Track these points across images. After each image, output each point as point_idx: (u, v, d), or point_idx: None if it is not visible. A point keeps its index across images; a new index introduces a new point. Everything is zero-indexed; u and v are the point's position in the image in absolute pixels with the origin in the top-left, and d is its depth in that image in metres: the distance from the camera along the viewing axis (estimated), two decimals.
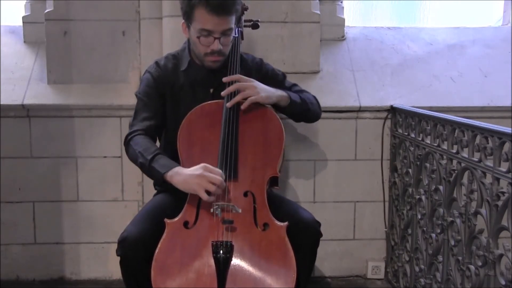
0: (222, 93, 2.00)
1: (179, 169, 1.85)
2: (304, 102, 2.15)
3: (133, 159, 1.98)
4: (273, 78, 2.23)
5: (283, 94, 2.07)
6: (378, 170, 2.77)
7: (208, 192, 1.77)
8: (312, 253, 1.95)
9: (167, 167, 1.86)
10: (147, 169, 1.90)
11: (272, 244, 1.77)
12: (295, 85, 2.26)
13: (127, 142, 2.02)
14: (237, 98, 1.97)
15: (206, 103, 2.02)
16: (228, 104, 1.97)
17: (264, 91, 2.01)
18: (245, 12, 2.24)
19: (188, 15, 1.99)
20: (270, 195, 1.96)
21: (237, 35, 2.08)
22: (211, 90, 2.11)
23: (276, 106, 2.08)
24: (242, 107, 1.98)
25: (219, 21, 1.93)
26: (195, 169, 1.80)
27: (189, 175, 1.80)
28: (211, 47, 1.98)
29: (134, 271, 1.83)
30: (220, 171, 1.82)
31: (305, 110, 2.16)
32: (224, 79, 2.01)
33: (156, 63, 2.16)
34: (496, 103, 2.79)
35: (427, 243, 2.24)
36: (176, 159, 1.94)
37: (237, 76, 2.03)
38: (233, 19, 1.99)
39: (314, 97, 2.26)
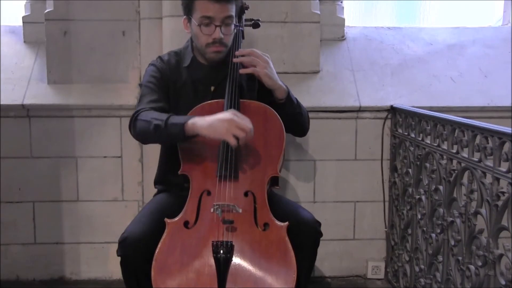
0: (236, 53, 2.02)
1: (200, 117, 1.83)
2: (298, 105, 2.13)
3: (144, 128, 1.88)
4: None
5: (284, 86, 2.07)
6: (378, 170, 2.78)
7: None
8: (313, 253, 1.95)
9: (187, 118, 1.84)
10: (164, 128, 1.83)
11: (273, 244, 1.77)
12: None
13: (134, 119, 1.94)
14: (244, 59, 2.01)
15: (206, 102, 2.02)
16: (235, 60, 2.01)
17: (270, 71, 2.02)
18: (245, 11, 2.24)
19: (189, 7, 2.01)
20: (270, 195, 1.96)
21: (238, 24, 2.09)
22: (212, 88, 2.11)
23: (271, 101, 2.06)
24: (241, 71, 2.01)
25: (220, 7, 1.96)
26: (223, 114, 1.80)
27: (217, 119, 1.78)
28: (213, 36, 1.99)
29: (135, 271, 1.83)
30: (248, 119, 1.81)
31: (297, 113, 2.12)
32: (237, 52, 2.03)
33: (160, 57, 2.16)
34: (496, 103, 2.79)
35: (427, 243, 2.24)
36: (175, 158, 1.94)
37: (250, 50, 2.04)
38: (233, 7, 2.01)
39: (307, 112, 2.22)
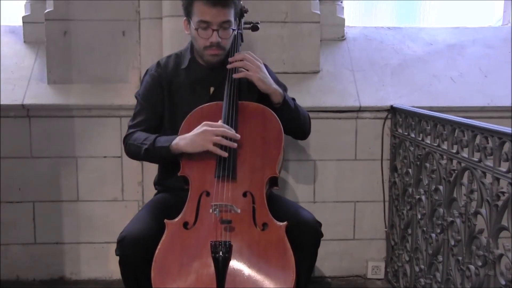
0: (230, 59, 2.04)
1: (181, 136, 1.93)
2: (296, 110, 2.13)
3: (136, 152, 2.03)
4: None
5: (279, 90, 2.06)
6: (378, 170, 2.77)
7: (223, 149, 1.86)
8: (313, 253, 1.95)
9: (170, 140, 1.93)
10: (153, 151, 1.96)
11: (271, 244, 1.77)
12: (293, 99, 2.22)
13: (125, 143, 2.09)
14: (238, 63, 2.02)
15: (205, 104, 2.03)
16: (228, 66, 2.04)
17: (263, 75, 2.03)
18: (245, 14, 2.24)
19: (188, 10, 2.03)
20: (270, 196, 1.96)
21: (235, 28, 2.09)
22: (212, 89, 2.11)
23: (269, 104, 2.06)
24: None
25: (217, 12, 1.96)
26: (198, 128, 1.89)
27: (193, 135, 1.89)
28: (210, 40, 1.99)
29: (133, 271, 1.83)
30: (220, 123, 1.90)
31: (295, 117, 2.12)
32: (231, 59, 2.05)
33: (158, 63, 2.19)
34: (496, 103, 2.79)
35: (427, 243, 2.24)
36: (174, 159, 1.94)
37: (243, 55, 2.05)
38: (231, 12, 2.00)
39: (308, 115, 2.23)
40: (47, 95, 2.72)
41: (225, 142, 1.85)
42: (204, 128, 1.87)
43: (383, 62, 2.94)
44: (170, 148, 1.91)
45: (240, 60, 2.03)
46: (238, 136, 1.89)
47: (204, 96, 2.09)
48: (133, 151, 2.05)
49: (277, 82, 2.16)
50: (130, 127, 2.11)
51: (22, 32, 2.95)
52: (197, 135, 1.87)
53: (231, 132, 1.87)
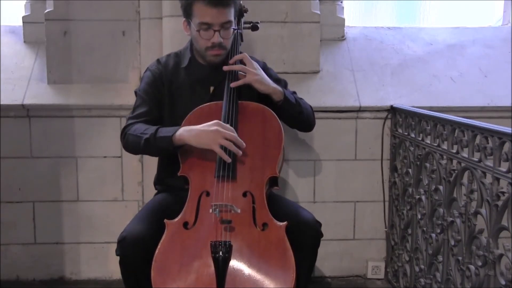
0: (230, 61, 2.03)
1: (186, 127, 1.89)
2: (298, 104, 2.13)
3: (135, 143, 1.98)
4: (275, 83, 2.22)
5: (279, 88, 2.07)
6: (378, 170, 2.77)
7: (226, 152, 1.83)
8: (313, 253, 1.95)
9: (173, 130, 1.89)
10: (154, 142, 1.91)
11: (271, 244, 1.77)
12: (294, 92, 2.24)
13: (124, 134, 2.04)
14: (237, 67, 2.02)
15: (205, 104, 2.03)
16: (225, 68, 2.03)
17: (260, 77, 2.03)
18: (244, 14, 2.24)
19: (187, 11, 2.02)
20: (270, 196, 1.96)
21: (236, 28, 2.09)
22: (212, 88, 2.11)
23: (270, 102, 2.07)
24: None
25: (217, 13, 1.96)
26: (209, 125, 1.85)
27: (203, 130, 1.84)
28: (212, 40, 2.00)
29: (134, 271, 1.83)
30: (232, 128, 1.86)
31: (298, 112, 2.13)
32: (231, 61, 2.04)
33: (158, 60, 2.19)
34: (496, 103, 2.79)
35: (427, 243, 2.24)
36: (174, 160, 1.94)
37: (242, 55, 2.05)
38: (231, 11, 2.01)
39: (310, 106, 2.24)
40: (47, 95, 2.72)
41: (233, 148, 1.84)
42: (216, 128, 1.83)
43: (383, 62, 2.94)
44: (173, 138, 1.87)
45: (239, 61, 2.03)
46: (244, 144, 1.86)
47: (204, 96, 2.09)
48: (132, 142, 2.00)
49: (277, 79, 2.18)
50: (129, 119, 2.08)
51: (22, 32, 2.95)
52: (206, 132, 1.84)
53: (240, 140, 1.85)
